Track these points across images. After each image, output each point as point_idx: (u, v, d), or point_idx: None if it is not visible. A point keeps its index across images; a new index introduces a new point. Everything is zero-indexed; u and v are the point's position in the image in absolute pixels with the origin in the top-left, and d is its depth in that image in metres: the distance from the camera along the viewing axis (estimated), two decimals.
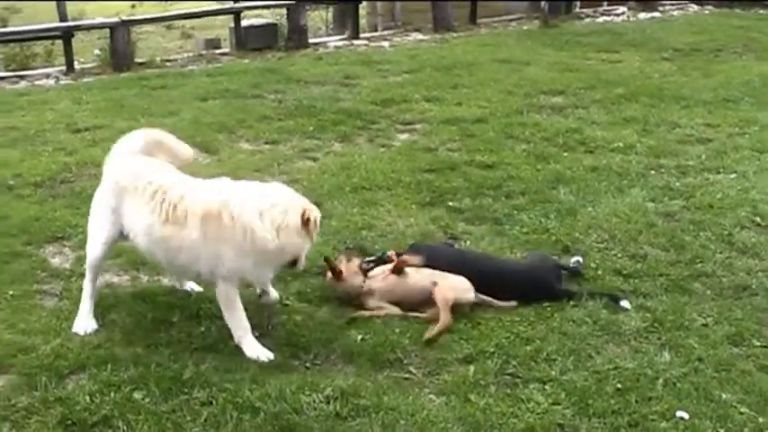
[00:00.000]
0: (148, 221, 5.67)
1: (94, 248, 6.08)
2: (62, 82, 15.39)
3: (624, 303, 6.19)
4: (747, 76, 14.10)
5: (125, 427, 4.85)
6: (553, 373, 5.42)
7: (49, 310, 6.30)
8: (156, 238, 5.68)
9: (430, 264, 6.43)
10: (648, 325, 6.03)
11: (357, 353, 5.64)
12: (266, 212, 5.45)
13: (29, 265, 7.05)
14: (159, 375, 5.33)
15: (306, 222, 5.50)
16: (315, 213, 5.57)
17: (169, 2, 37.34)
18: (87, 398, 5.10)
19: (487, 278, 6.37)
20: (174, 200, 5.58)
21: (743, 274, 6.88)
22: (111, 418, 4.94)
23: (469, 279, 6.29)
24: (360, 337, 5.80)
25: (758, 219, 7.92)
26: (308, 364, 5.57)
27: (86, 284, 6.13)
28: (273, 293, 6.07)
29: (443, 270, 6.38)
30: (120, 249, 7.19)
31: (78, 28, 17.91)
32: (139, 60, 16.92)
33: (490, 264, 6.75)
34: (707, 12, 22.59)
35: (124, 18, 17.51)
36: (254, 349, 5.62)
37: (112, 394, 5.14)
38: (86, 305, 6.06)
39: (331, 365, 5.57)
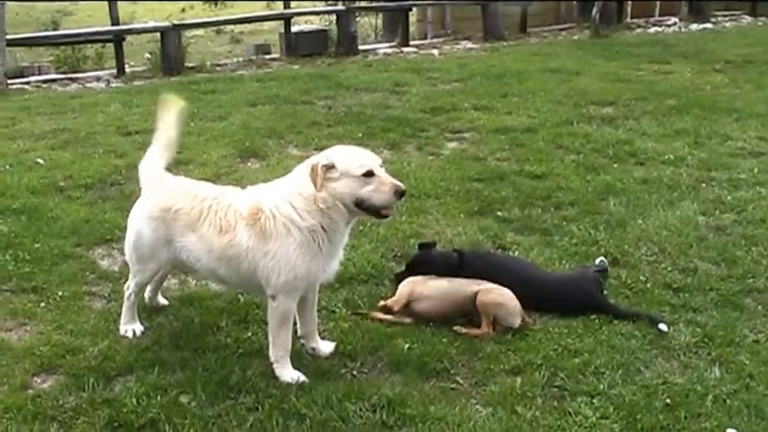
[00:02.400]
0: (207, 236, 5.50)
1: (143, 278, 5.98)
2: (113, 85, 15.58)
3: (662, 327, 6.07)
4: None
5: (171, 431, 4.86)
6: (601, 386, 5.35)
7: (98, 311, 6.34)
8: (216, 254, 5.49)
9: (471, 269, 6.42)
10: (698, 340, 5.94)
11: (404, 362, 5.60)
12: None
13: (78, 266, 7.10)
14: (206, 380, 5.34)
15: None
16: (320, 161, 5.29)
17: (220, 4, 37.72)
18: (134, 400, 5.11)
19: (530, 288, 6.33)
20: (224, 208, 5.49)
21: None
22: (157, 422, 4.95)
23: (511, 287, 6.25)
24: (407, 345, 5.76)
25: None
26: (354, 372, 5.55)
27: (131, 304, 6.07)
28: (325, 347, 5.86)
29: (484, 276, 6.34)
30: None
31: (130, 32, 18.16)
32: (189, 65, 17.05)
33: (533, 273, 6.69)
34: (760, 23, 22.43)
35: (175, 22, 17.65)
36: (289, 373, 5.45)
37: (159, 397, 5.15)
38: (131, 312, 6.07)
39: (378, 374, 5.55)
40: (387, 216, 5.39)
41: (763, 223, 8.02)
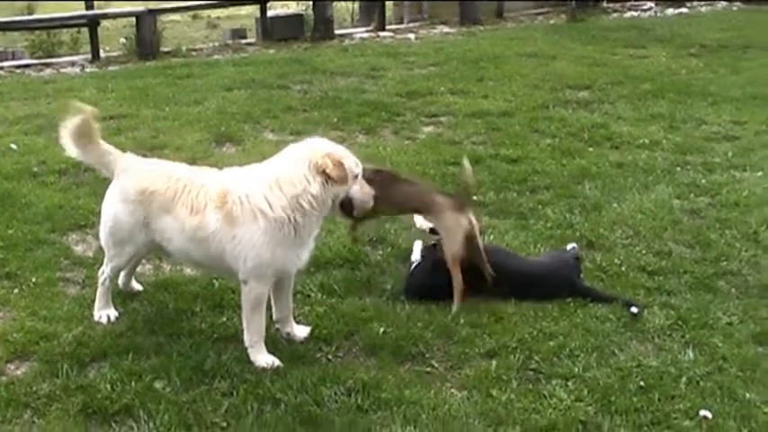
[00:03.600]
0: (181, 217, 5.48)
1: (119, 262, 5.93)
2: (87, 70, 15.48)
3: (633, 309, 6.07)
4: None
5: (146, 417, 4.84)
6: (576, 369, 5.38)
7: (72, 297, 6.32)
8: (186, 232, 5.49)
9: None
10: (672, 323, 5.97)
11: (379, 346, 5.61)
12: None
13: (52, 252, 7.07)
14: (180, 365, 5.33)
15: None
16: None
17: None
18: (108, 386, 5.10)
19: (508, 274, 6.34)
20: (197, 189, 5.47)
21: None
22: (131, 408, 4.93)
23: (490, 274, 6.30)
24: (382, 330, 5.76)
25: None
26: (329, 357, 5.56)
27: (106, 290, 6.03)
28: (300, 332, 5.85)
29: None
30: None
31: (105, 16, 18.02)
32: (165, 49, 16.96)
33: (510, 259, 6.70)
34: (735, 8, 22.50)
35: (151, 7, 17.55)
36: (264, 358, 5.44)
37: (134, 383, 5.14)
38: (105, 298, 6.03)
39: (353, 358, 5.56)
40: (355, 215, 5.64)
41: (737, 207, 8.06)
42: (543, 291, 6.29)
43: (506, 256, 6.70)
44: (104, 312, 5.97)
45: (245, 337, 5.51)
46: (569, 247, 6.92)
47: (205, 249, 5.44)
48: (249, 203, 5.27)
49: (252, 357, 5.46)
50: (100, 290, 5.98)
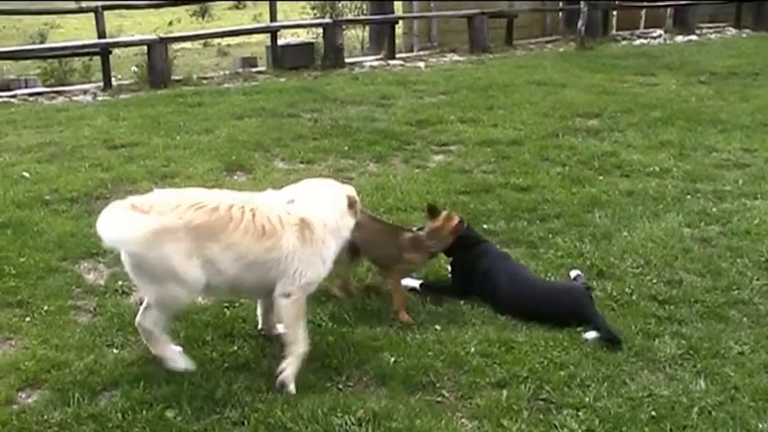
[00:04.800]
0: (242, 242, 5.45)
1: (181, 302, 5.61)
2: (99, 98, 15.56)
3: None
4: None
5: None
6: (587, 399, 5.36)
7: (83, 326, 6.31)
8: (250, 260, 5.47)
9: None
10: (684, 352, 5.95)
11: (390, 375, 5.60)
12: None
13: (63, 280, 7.08)
14: (191, 394, 5.32)
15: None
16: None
17: (207, 16, 37.77)
18: (120, 415, 5.10)
19: (532, 295, 6.47)
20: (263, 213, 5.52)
21: None
22: None
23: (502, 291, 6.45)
24: (393, 359, 5.76)
25: None
26: (340, 386, 5.54)
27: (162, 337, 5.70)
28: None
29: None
30: None
31: (116, 45, 18.12)
32: (176, 78, 17.06)
33: (529, 276, 6.78)
34: (744, 35, 22.58)
35: (162, 35, 17.65)
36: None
37: (145, 412, 5.13)
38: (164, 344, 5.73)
39: (363, 387, 5.54)
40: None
41: (748, 235, 8.05)
42: (555, 313, 6.33)
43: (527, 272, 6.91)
44: (175, 358, 5.70)
45: (291, 347, 5.59)
46: (573, 274, 6.93)
47: (265, 271, 5.53)
48: (325, 224, 5.66)
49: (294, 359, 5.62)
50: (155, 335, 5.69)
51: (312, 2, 26.93)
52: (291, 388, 5.44)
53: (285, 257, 5.48)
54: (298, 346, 5.58)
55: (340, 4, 26.09)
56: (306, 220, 5.58)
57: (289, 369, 5.50)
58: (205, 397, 5.31)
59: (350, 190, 6.06)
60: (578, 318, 6.29)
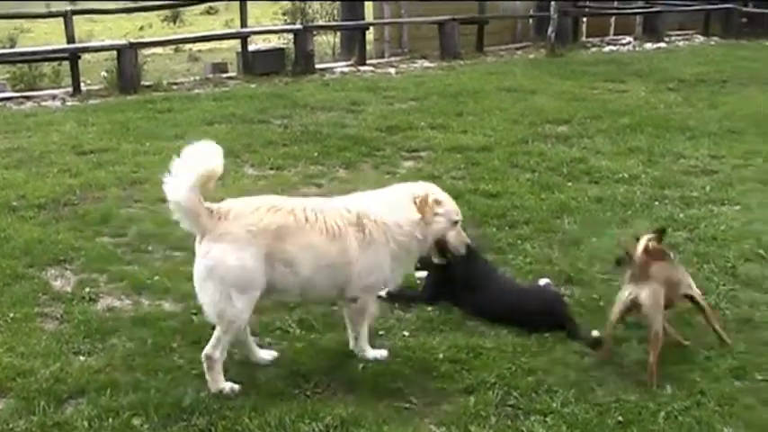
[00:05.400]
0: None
1: (246, 310, 5.47)
2: (68, 103, 15.48)
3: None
4: (753, 108, 14.18)
5: None
6: (554, 405, 5.37)
7: (50, 333, 6.27)
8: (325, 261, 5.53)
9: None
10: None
11: (358, 381, 5.61)
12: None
13: (30, 287, 7.03)
14: (159, 402, 5.30)
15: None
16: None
17: (179, 21, 37.64)
18: (86, 423, 5.07)
19: (506, 299, 6.49)
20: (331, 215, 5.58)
21: (746, 306, 6.85)
22: None
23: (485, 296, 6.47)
24: (361, 365, 5.76)
25: (762, 251, 7.88)
26: (308, 393, 5.52)
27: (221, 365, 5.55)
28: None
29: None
30: (123, 274, 7.22)
31: (86, 50, 18.02)
32: (146, 83, 16.97)
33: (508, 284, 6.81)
34: (713, 43, 22.74)
35: (132, 41, 17.58)
36: (373, 352, 5.92)
37: (111, 420, 5.11)
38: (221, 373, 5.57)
39: (332, 394, 5.53)
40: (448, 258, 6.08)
41: (715, 241, 8.10)
42: (529, 317, 6.36)
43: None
44: (229, 385, 5.54)
45: (357, 344, 5.89)
46: (542, 282, 6.95)
47: (335, 273, 5.60)
48: (383, 226, 5.64)
49: (370, 355, 5.87)
50: (216, 368, 5.53)
51: (284, 5, 26.91)
52: (372, 356, 5.88)
53: (353, 261, 5.57)
54: (361, 340, 5.91)
55: (311, 10, 26.05)
56: (362, 221, 5.61)
57: (364, 353, 5.91)
58: (172, 404, 5.28)
59: (418, 192, 5.85)
60: (553, 323, 6.32)
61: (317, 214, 5.53)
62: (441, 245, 5.92)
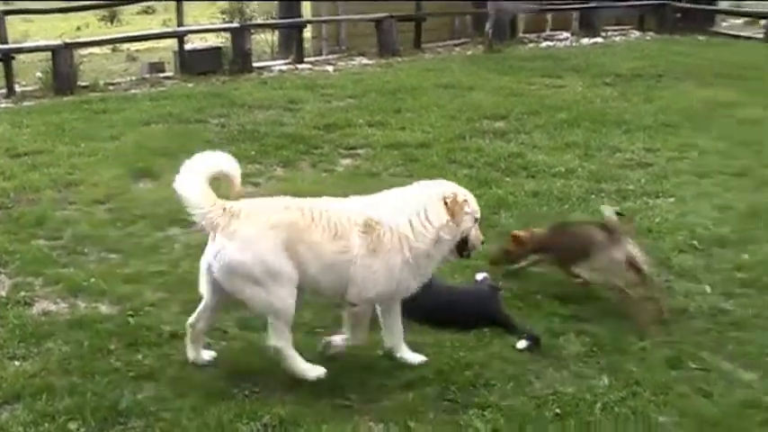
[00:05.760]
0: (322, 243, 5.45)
1: (289, 296, 5.49)
2: (2, 105, 15.25)
3: (521, 344, 6.13)
4: (687, 102, 14.33)
5: None
6: (492, 398, 5.42)
7: None
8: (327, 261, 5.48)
9: None
10: (588, 349, 6.05)
11: (297, 380, 5.58)
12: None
13: None
14: (95, 405, 5.26)
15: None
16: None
17: (116, 21, 37.25)
18: (21, 428, 5.03)
19: (437, 300, 6.42)
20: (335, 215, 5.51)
21: (681, 297, 6.96)
22: None
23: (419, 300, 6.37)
24: None
25: (696, 242, 8.01)
26: (247, 392, 5.50)
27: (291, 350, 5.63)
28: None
29: None
30: (59, 276, 7.14)
31: (19, 50, 17.74)
32: (82, 84, 16.77)
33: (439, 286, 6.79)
34: (648, 38, 22.95)
35: (67, 41, 17.38)
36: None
37: (47, 425, 5.07)
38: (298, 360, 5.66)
39: (270, 393, 5.50)
40: (463, 258, 6.05)
41: (650, 233, 8.20)
42: (463, 317, 6.37)
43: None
44: (315, 369, 5.65)
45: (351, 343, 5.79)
46: (479, 277, 6.98)
47: (339, 274, 5.51)
48: (398, 232, 5.49)
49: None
50: (293, 356, 5.63)
51: (222, 5, 26.77)
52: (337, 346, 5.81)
53: (354, 261, 5.47)
54: (354, 338, 5.76)
55: (249, 9, 25.92)
56: (371, 224, 5.49)
57: (338, 339, 5.80)
58: (109, 408, 5.25)
59: (448, 192, 5.71)
60: (488, 321, 6.35)
61: (323, 213, 5.49)
62: (460, 244, 5.83)
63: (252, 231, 5.36)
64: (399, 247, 5.49)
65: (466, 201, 5.72)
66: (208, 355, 5.87)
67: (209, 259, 5.48)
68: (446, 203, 5.61)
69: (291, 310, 5.48)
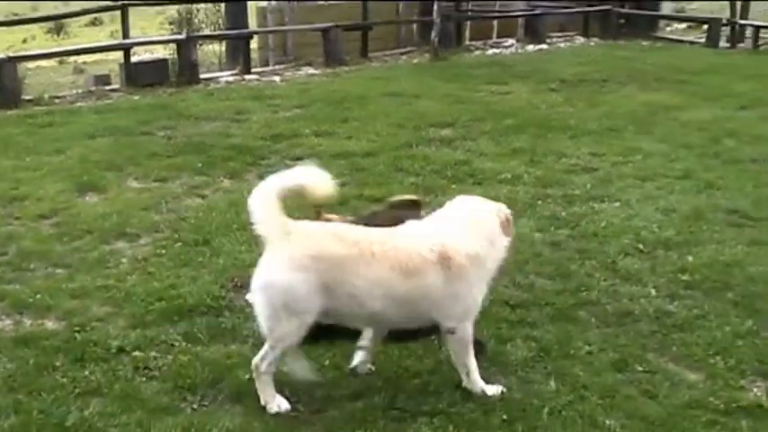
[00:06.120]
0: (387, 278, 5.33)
1: (296, 332, 5.38)
2: None
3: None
4: (631, 106, 14.51)
5: None
6: (441, 406, 5.43)
7: None
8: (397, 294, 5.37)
9: None
10: (535, 354, 6.09)
11: (245, 393, 5.57)
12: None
13: None
14: (42, 423, 5.22)
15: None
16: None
17: (63, 33, 36.98)
18: None
19: None
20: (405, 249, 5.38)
21: (626, 300, 7.01)
22: None
23: None
24: (247, 376, 5.68)
25: (641, 246, 8.09)
26: (194, 406, 5.49)
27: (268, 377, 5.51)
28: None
29: None
30: (4, 293, 7.08)
31: None
32: (27, 97, 16.62)
33: None
34: (592, 44, 23.19)
35: (11, 54, 17.23)
36: (490, 388, 5.67)
37: None
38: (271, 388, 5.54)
39: (218, 406, 5.49)
40: None
41: (596, 237, 8.28)
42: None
43: None
44: (278, 402, 5.49)
45: (469, 379, 5.63)
46: None
47: (413, 306, 5.45)
48: (471, 256, 5.45)
49: (486, 391, 5.62)
50: (265, 380, 5.49)
51: (170, 15, 26.67)
52: (482, 389, 5.64)
53: (436, 296, 5.42)
54: (472, 375, 5.64)
55: (197, 20, 25.85)
56: (447, 254, 5.39)
57: (475, 387, 5.65)
58: (56, 425, 5.22)
59: (501, 209, 5.84)
60: (432, 330, 6.36)
61: (388, 248, 5.36)
62: None
63: (292, 258, 5.27)
64: (476, 268, 5.48)
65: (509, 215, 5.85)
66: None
67: None
68: (505, 223, 5.75)
69: (293, 343, 5.42)
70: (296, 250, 5.27)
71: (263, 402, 5.43)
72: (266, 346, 5.41)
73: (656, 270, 7.61)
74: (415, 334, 6.21)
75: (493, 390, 5.61)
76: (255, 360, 5.44)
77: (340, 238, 5.37)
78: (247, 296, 5.76)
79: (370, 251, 5.30)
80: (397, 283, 5.30)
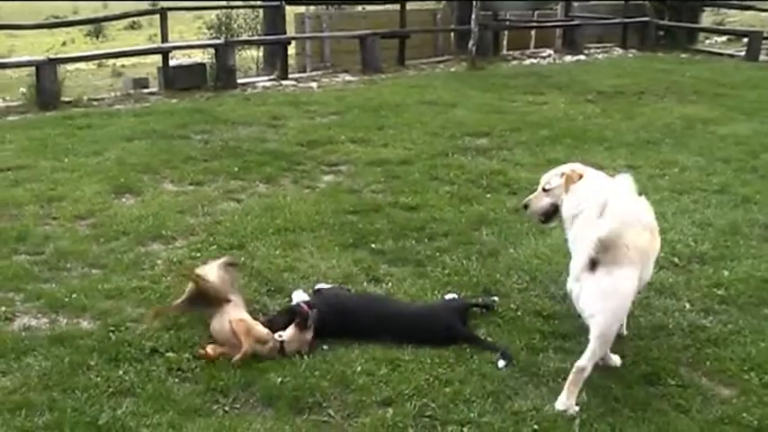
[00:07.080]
0: None
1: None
2: None
3: (501, 363, 6.11)
4: (668, 119, 14.44)
5: None
6: (472, 415, 5.43)
7: None
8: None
9: (330, 307, 6.48)
10: (567, 366, 6.04)
11: (276, 396, 5.60)
12: None
13: None
14: (75, 421, 5.26)
15: None
16: None
17: (101, 37, 37.32)
18: None
19: (388, 319, 6.47)
20: None
21: (660, 314, 6.97)
22: None
23: (371, 320, 6.43)
24: (279, 380, 5.74)
25: (676, 259, 8.04)
26: (226, 408, 5.51)
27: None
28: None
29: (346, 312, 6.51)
30: (40, 292, 7.13)
31: (3, 66, 17.77)
32: (66, 99, 16.76)
33: (390, 305, 6.79)
34: (630, 55, 23.11)
35: (51, 56, 17.38)
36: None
37: None
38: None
39: (250, 409, 5.52)
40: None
41: None
42: (421, 334, 6.36)
43: (384, 301, 6.93)
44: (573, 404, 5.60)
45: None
46: (448, 297, 7.00)
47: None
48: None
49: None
50: (577, 378, 5.61)
51: (209, 20, 26.85)
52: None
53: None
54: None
55: (236, 25, 26.01)
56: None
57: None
58: (89, 423, 5.25)
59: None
60: (452, 339, 6.36)
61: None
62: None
63: (632, 260, 5.66)
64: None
65: None
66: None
67: None
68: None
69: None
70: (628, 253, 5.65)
71: (566, 403, 5.54)
72: (593, 347, 5.60)
73: (691, 284, 7.56)
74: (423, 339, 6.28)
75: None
76: (581, 362, 5.58)
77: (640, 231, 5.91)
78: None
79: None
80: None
